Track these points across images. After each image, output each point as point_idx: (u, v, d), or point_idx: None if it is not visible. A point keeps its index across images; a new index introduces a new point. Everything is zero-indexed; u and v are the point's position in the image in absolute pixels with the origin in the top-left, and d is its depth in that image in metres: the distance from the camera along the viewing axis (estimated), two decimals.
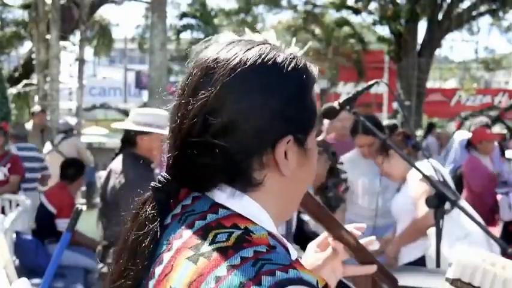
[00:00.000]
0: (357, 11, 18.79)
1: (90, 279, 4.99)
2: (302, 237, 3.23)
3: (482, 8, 18.10)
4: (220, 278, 0.74)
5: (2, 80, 10.24)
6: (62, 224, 5.08)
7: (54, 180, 6.25)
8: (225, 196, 0.85)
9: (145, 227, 0.86)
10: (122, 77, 31.49)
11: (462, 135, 7.38)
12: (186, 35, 20.61)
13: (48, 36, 10.69)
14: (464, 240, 3.31)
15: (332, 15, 20.39)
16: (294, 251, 0.88)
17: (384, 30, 18.93)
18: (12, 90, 13.07)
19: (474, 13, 18.12)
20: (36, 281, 3.93)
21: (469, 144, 5.72)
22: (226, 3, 55.56)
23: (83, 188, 8.92)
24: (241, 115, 0.82)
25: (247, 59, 0.84)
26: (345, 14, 19.65)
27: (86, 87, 19.78)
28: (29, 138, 8.42)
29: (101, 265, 3.60)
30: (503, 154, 7.13)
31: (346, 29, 20.01)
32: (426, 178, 2.47)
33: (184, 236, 0.83)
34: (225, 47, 0.87)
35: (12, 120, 9.89)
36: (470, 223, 2.30)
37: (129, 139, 3.46)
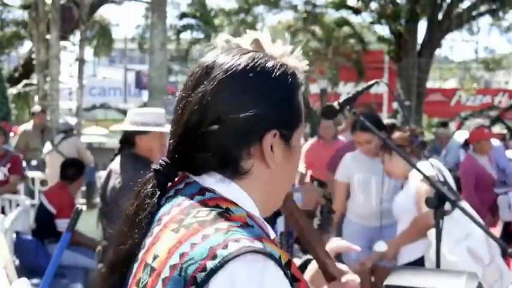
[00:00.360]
0: (357, 11, 18.79)
1: (90, 279, 4.99)
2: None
3: (482, 8, 18.10)
4: (195, 244, 0.85)
5: (2, 80, 10.26)
6: (62, 224, 5.07)
7: (54, 180, 6.25)
8: (213, 181, 0.96)
9: (144, 202, 0.99)
10: (122, 77, 31.51)
11: (462, 135, 7.39)
12: (186, 35, 20.66)
13: (48, 36, 10.69)
14: (464, 240, 3.32)
15: (332, 15, 20.40)
16: (273, 234, 0.98)
17: (384, 30, 18.96)
18: (12, 90, 13.09)
19: (474, 13, 18.12)
20: (36, 281, 3.93)
21: (467, 144, 5.74)
22: (226, 3, 55.65)
23: (83, 188, 8.91)
24: (233, 109, 0.94)
25: (241, 62, 0.97)
26: (345, 14, 19.66)
27: (86, 87, 19.77)
28: (29, 138, 8.44)
29: (101, 265, 3.59)
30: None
31: (346, 29, 20.01)
32: (426, 178, 2.46)
33: (172, 212, 0.94)
34: (224, 52, 1.01)
35: (12, 120, 9.90)
36: (471, 223, 2.30)
37: (128, 140, 3.45)
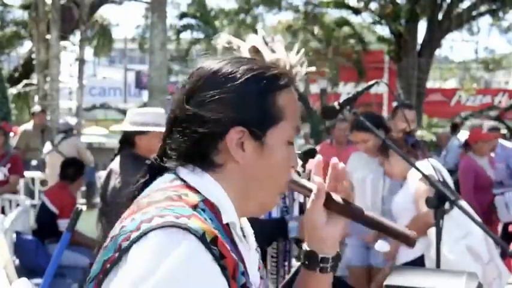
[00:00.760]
0: (357, 11, 18.79)
1: None
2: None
3: (482, 8, 18.12)
4: (134, 219, 0.97)
5: (2, 80, 10.25)
6: (64, 224, 5.07)
7: (54, 180, 6.25)
8: (186, 172, 1.06)
9: (135, 191, 1.11)
10: (122, 77, 31.52)
11: (463, 136, 7.38)
12: (186, 35, 20.63)
13: (48, 36, 10.70)
14: (463, 239, 3.32)
15: (332, 15, 20.40)
16: (236, 224, 1.04)
17: (384, 30, 18.98)
18: (12, 90, 13.08)
19: (474, 13, 18.13)
20: (36, 281, 3.93)
21: (466, 145, 5.74)
22: (226, 3, 55.56)
23: (83, 188, 8.92)
24: (205, 103, 1.04)
25: (216, 66, 1.08)
26: (345, 14, 19.66)
27: (86, 87, 19.77)
28: (29, 138, 8.44)
29: None
30: None
31: (346, 29, 20.00)
32: (426, 178, 2.47)
33: (143, 194, 1.06)
34: (214, 60, 1.11)
35: (12, 120, 9.90)
36: (470, 222, 2.30)
37: (128, 140, 3.46)
